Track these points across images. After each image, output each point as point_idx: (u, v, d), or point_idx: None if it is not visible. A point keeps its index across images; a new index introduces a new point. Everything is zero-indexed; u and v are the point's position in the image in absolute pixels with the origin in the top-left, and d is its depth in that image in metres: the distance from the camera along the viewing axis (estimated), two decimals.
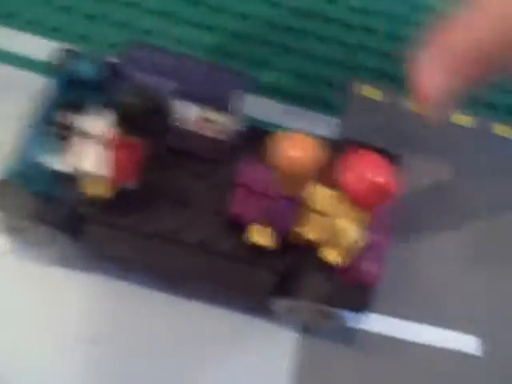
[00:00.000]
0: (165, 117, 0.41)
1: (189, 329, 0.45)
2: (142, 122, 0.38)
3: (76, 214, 0.42)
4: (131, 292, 0.46)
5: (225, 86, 0.42)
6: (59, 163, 0.41)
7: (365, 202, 0.38)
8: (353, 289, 0.42)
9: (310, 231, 0.41)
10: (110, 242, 0.42)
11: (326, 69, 0.57)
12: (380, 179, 0.36)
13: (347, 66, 0.57)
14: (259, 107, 0.52)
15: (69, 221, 0.41)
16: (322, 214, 0.41)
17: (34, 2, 0.56)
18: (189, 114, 0.42)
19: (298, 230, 0.41)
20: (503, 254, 0.52)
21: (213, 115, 0.42)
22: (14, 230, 0.43)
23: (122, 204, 0.42)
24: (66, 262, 0.45)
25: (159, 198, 0.43)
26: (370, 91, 0.57)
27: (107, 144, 0.40)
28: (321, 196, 0.41)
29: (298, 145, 0.37)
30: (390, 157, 0.41)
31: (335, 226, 0.40)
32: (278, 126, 0.50)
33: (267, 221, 0.41)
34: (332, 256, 0.41)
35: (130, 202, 0.42)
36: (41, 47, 0.53)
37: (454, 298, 0.50)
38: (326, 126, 0.53)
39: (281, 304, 0.43)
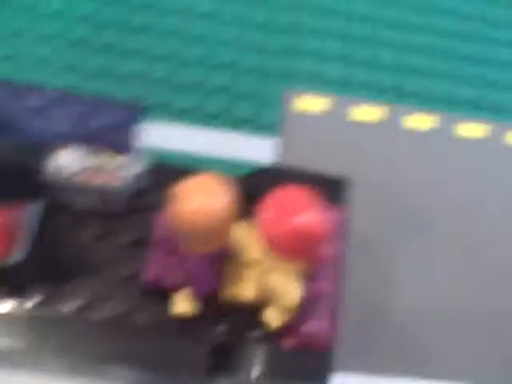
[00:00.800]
0: (26, 171, 0.33)
1: None
2: None
3: None
4: None
5: (115, 120, 0.35)
6: None
7: (287, 251, 0.31)
8: (305, 355, 0.34)
9: (243, 289, 0.34)
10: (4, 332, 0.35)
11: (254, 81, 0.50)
12: (300, 222, 0.30)
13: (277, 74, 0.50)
14: (175, 136, 0.45)
15: None
16: (253, 265, 0.35)
17: None
18: (72, 161, 0.35)
19: (229, 290, 0.35)
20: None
21: (104, 159, 0.35)
22: None
23: (9, 281, 0.35)
24: None
25: (55, 268, 0.36)
26: (308, 102, 0.51)
27: None
28: (247, 244, 0.35)
29: (196, 194, 0.31)
30: (332, 182, 0.35)
31: (269, 284, 0.33)
32: (201, 158, 0.43)
33: (188, 285, 0.34)
34: (274, 318, 0.34)
35: (19, 279, 0.35)
36: None
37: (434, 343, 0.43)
38: (263, 149, 0.46)
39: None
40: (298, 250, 0.31)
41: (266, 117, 0.47)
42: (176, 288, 0.34)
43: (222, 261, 0.34)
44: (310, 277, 0.35)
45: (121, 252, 0.36)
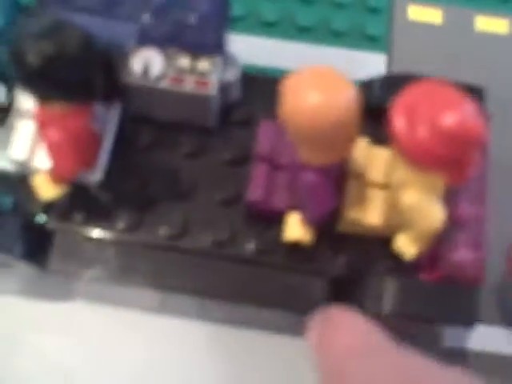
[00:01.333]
0: (108, 68, 0.28)
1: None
2: (62, 75, 0.25)
3: (36, 229, 0.30)
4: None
5: (200, 14, 0.28)
6: None
7: (433, 160, 0.24)
8: (447, 292, 0.28)
9: (370, 214, 0.28)
10: (92, 257, 0.30)
11: None
12: (449, 121, 0.23)
13: None
14: (265, 50, 0.37)
15: (27, 240, 0.29)
16: (381, 185, 0.28)
17: None
18: (155, 66, 0.29)
19: (352, 214, 0.28)
20: None
21: (193, 62, 0.29)
22: None
23: (90, 205, 0.30)
24: None
25: (141, 190, 0.30)
26: (422, 12, 0.42)
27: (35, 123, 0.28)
28: (374, 159, 0.28)
29: (316, 87, 0.23)
30: (468, 90, 0.28)
31: (401, 203, 0.26)
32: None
33: (298, 206, 0.28)
34: (407, 247, 0.28)
35: (102, 199, 0.30)
36: None
37: None
38: (368, 65, 0.38)
39: None
40: (446, 159, 0.25)
41: (371, 28, 0.40)
42: (285, 210, 0.29)
43: (343, 178, 0.28)
44: (453, 197, 0.29)
45: (218, 172, 0.31)
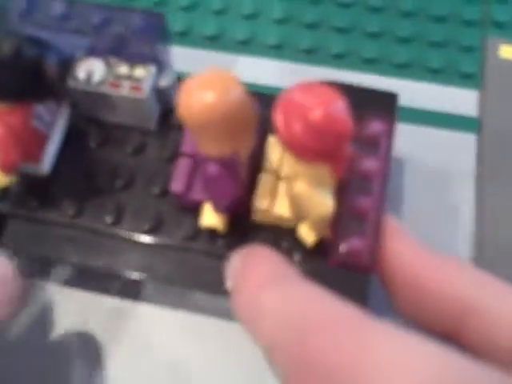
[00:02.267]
0: (38, 72, 0.31)
1: None
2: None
3: None
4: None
5: (136, 28, 0.32)
6: None
7: (307, 153, 0.26)
8: (339, 279, 0.31)
9: (278, 205, 0.31)
10: (35, 240, 0.34)
11: (450, 27, 0.45)
12: (316, 115, 0.25)
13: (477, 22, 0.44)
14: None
15: None
16: (284, 178, 0.31)
17: None
18: (96, 73, 0.33)
19: (262, 205, 0.31)
20: None
21: (130, 70, 0.33)
22: None
23: (38, 193, 0.34)
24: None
25: (86, 180, 0.34)
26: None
27: None
28: (285, 155, 0.31)
29: (205, 85, 0.26)
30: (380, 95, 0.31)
31: (291, 193, 0.29)
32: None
33: (209, 196, 0.31)
34: (307, 235, 0.31)
35: (51, 190, 0.34)
36: None
37: None
38: (461, 101, 0.41)
39: None
40: (317, 149, 0.27)
41: (462, 66, 0.42)
42: (204, 201, 0.32)
43: (253, 171, 0.31)
44: (353, 191, 0.32)
45: (153, 169, 0.34)
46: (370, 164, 0.32)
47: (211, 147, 0.29)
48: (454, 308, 0.27)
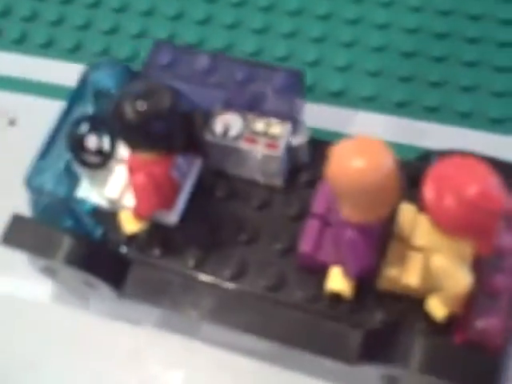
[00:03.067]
0: (188, 125, 0.33)
1: None
2: (152, 129, 0.30)
3: (118, 257, 0.35)
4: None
5: (276, 85, 0.33)
6: (94, 195, 0.35)
7: (458, 227, 0.27)
8: (473, 355, 0.29)
9: (408, 275, 0.31)
10: (155, 288, 0.35)
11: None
12: (472, 191, 0.26)
13: None
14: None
15: (110, 266, 0.34)
16: (420, 249, 0.31)
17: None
18: (233, 127, 0.34)
19: (391, 273, 0.31)
20: None
21: (264, 127, 0.34)
22: (46, 271, 0.36)
23: (166, 242, 0.35)
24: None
25: (211, 232, 0.35)
26: None
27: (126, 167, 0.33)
28: (417, 224, 0.31)
29: (360, 152, 0.27)
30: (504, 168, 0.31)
31: (430, 266, 0.29)
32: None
33: (340, 260, 0.31)
34: (438, 309, 0.30)
35: (176, 239, 0.35)
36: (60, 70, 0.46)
37: None
38: None
39: (373, 371, 0.32)
40: (468, 224, 0.26)
41: None
42: (331, 263, 0.32)
43: (384, 238, 0.31)
44: (488, 268, 0.31)
45: (277, 225, 0.34)
46: (505, 240, 0.31)
47: (355, 213, 0.29)
48: None
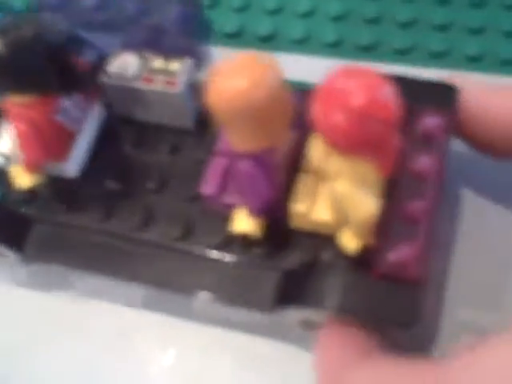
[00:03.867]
0: (61, 61, 0.29)
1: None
2: (17, 68, 0.28)
3: (19, 218, 0.32)
4: None
5: (171, 19, 0.31)
6: None
7: (350, 141, 0.24)
8: (390, 290, 0.26)
9: (317, 209, 0.28)
10: (60, 247, 0.32)
11: None
12: (360, 100, 0.23)
13: None
14: None
15: (10, 227, 0.32)
16: (326, 178, 0.27)
17: None
18: (130, 67, 0.31)
19: (300, 208, 0.28)
20: None
21: (165, 64, 0.31)
22: None
23: (68, 196, 0.32)
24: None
25: (117, 183, 0.32)
26: None
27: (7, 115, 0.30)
28: (328, 156, 0.27)
29: (237, 71, 0.24)
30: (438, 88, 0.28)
31: (333, 193, 0.26)
32: None
33: (242, 198, 0.28)
34: (349, 242, 0.27)
35: (80, 193, 0.32)
36: None
37: None
38: None
39: (292, 316, 0.29)
40: (361, 138, 0.23)
41: None
42: (237, 205, 0.29)
43: (290, 171, 0.28)
44: (404, 194, 0.28)
45: (188, 170, 0.32)
46: (424, 163, 0.29)
47: (243, 141, 0.26)
48: None
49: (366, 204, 0.26)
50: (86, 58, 0.31)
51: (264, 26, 0.41)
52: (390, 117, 0.23)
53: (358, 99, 0.23)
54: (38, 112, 0.29)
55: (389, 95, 0.23)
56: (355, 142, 0.24)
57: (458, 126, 0.30)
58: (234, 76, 0.25)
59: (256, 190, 0.27)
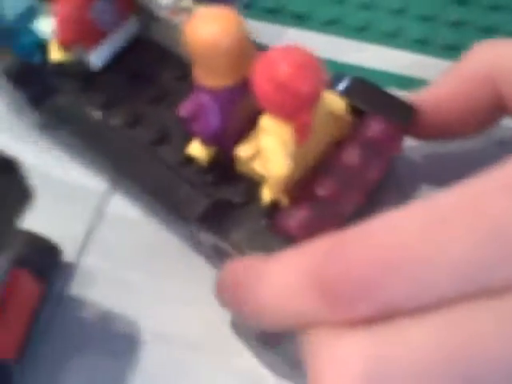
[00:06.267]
0: None
1: None
2: None
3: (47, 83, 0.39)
4: None
5: None
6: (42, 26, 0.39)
7: (270, 104, 0.29)
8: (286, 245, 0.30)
9: (255, 158, 0.32)
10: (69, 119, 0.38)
11: None
12: (284, 72, 0.27)
13: None
14: None
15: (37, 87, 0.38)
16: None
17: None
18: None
19: (241, 154, 0.33)
20: None
21: (192, 4, 0.36)
22: None
23: (85, 77, 0.38)
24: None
25: (124, 87, 0.38)
26: None
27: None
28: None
29: (207, 20, 0.30)
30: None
31: (260, 146, 0.31)
32: None
33: (197, 125, 0.33)
34: (265, 193, 0.32)
35: (94, 84, 0.38)
36: None
37: None
38: None
39: (206, 238, 0.33)
40: (281, 104, 0.28)
41: None
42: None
43: (244, 116, 0.32)
44: (328, 174, 0.32)
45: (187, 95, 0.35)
46: (352, 156, 0.32)
47: (206, 76, 0.31)
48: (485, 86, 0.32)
49: (278, 163, 0.30)
50: None
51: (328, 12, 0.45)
52: (306, 92, 0.28)
53: (280, 71, 0.28)
54: (76, 2, 0.36)
55: (310, 76, 0.28)
56: (271, 106, 0.29)
57: (415, 129, 0.34)
58: (208, 23, 0.30)
59: (208, 120, 0.32)
